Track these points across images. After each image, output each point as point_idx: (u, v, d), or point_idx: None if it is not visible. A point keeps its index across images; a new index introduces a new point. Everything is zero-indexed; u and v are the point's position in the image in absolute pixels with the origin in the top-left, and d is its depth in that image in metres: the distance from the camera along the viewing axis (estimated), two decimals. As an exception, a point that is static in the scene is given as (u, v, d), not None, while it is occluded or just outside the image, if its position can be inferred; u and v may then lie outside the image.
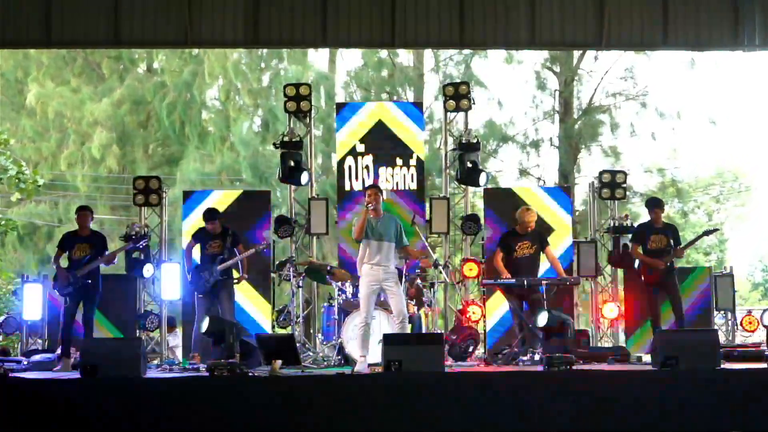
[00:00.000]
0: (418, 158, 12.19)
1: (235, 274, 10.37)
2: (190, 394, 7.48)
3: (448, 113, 12.45)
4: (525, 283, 9.68)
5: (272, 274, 11.70)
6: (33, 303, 11.80)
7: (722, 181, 29.89)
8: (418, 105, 13.23)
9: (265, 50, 21.77)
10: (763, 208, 29.52)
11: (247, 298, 11.58)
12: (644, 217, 10.84)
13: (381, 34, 12.68)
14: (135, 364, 7.76)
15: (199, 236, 10.39)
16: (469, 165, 11.86)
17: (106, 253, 10.05)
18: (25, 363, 10.01)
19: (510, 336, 10.80)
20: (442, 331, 10.97)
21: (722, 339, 11.56)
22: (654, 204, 10.58)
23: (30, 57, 22.61)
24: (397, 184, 12.13)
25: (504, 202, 11.86)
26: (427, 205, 12.14)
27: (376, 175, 12.07)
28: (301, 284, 10.85)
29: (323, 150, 20.70)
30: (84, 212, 10.15)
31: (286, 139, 12.07)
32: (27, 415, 7.27)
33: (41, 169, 21.65)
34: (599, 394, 7.45)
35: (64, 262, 10.04)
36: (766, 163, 30.53)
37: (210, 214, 10.34)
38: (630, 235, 11.38)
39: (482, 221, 11.99)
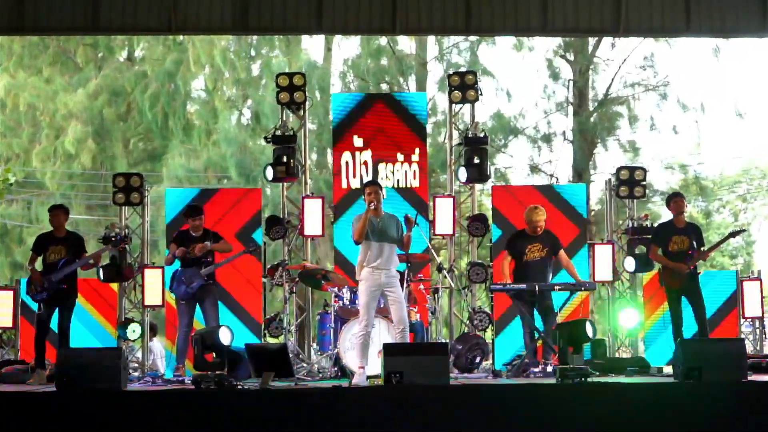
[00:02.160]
0: (420, 153, 12.21)
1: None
2: (175, 409, 7.49)
3: (453, 105, 12.46)
4: (536, 288, 9.69)
5: (263, 280, 11.72)
6: (4, 310, 11.81)
7: (749, 178, 29.87)
8: (420, 96, 13.25)
9: (255, 37, 21.79)
10: (793, 208, 29.54)
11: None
12: (665, 216, 10.86)
13: (380, 19, 12.69)
14: (115, 376, 7.78)
15: (180, 240, 10.38)
16: (476, 161, 11.88)
17: (84, 255, 10.07)
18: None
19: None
20: (447, 340, 10.99)
21: (749, 349, 11.59)
22: (674, 195, 10.62)
23: (0, 45, 22.62)
24: (398, 181, 12.15)
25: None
26: (431, 204, 12.15)
27: (376, 172, 12.09)
28: (294, 290, 10.86)
29: (318, 145, 20.74)
30: (56, 212, 10.15)
31: (278, 132, 12.09)
32: (-2, 432, 7.29)
33: (13, 166, 21.67)
34: (617, 408, 7.46)
35: (39, 266, 10.05)
36: (797, 158, 30.50)
37: (193, 211, 10.34)
38: (648, 238, 11.41)
39: (490, 221, 12.02)
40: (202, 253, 10.08)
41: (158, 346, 13.35)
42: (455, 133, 12.54)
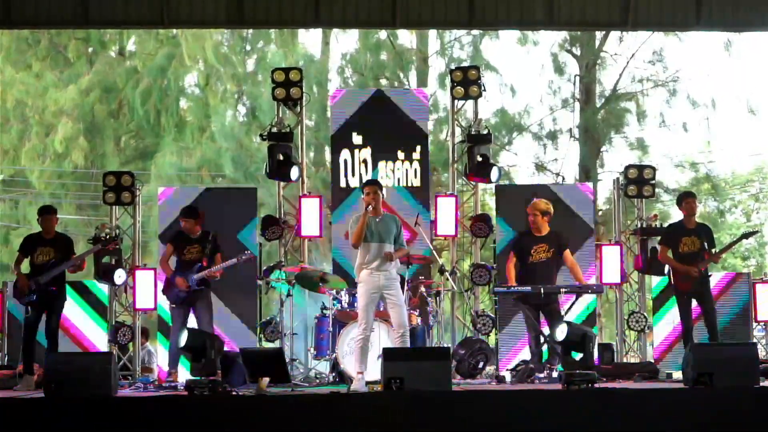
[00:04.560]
0: (422, 151, 12.19)
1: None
2: (167, 416, 7.47)
3: (456, 101, 12.44)
4: (541, 291, 9.68)
5: (259, 282, 11.70)
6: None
7: (762, 176, 29.89)
8: (421, 92, 13.23)
9: (250, 31, 21.79)
10: (807, 207, 29.52)
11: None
12: (675, 216, 10.85)
13: (380, 12, 12.68)
14: (105, 382, 7.76)
15: (176, 241, 10.37)
16: (479, 159, 11.86)
17: (73, 257, 10.06)
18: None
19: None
20: (449, 345, 10.97)
21: (762, 353, 11.57)
22: (685, 195, 10.62)
23: (-13, 39, 22.63)
24: (398, 180, 12.13)
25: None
26: (433, 203, 12.13)
27: (375, 170, 12.07)
28: (290, 293, 10.84)
29: (315, 142, 20.73)
30: (50, 216, 10.11)
31: (274, 129, 12.08)
32: (-16, 439, 7.27)
33: (0, 164, 21.67)
34: (625, 414, 7.45)
35: (25, 268, 10.04)
36: (812, 156, 30.45)
37: (188, 212, 10.33)
38: (657, 239, 11.41)
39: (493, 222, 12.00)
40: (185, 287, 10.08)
41: (151, 354, 13.33)
42: (457, 131, 12.52)
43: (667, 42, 21.76)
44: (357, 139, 12.17)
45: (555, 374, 9.31)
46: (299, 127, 12.42)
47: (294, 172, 11.86)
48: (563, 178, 21.36)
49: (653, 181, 12.31)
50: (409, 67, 21.90)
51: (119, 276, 11.59)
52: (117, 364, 9.02)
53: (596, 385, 7.91)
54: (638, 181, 12.18)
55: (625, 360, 11.97)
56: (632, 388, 8.66)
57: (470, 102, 12.43)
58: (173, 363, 10.30)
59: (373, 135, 12.16)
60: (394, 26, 15.06)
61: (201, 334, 9.63)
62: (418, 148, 12.18)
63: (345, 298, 10.22)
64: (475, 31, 20.62)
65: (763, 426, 7.44)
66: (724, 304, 11.67)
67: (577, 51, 21.78)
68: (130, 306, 11.98)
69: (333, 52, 22.49)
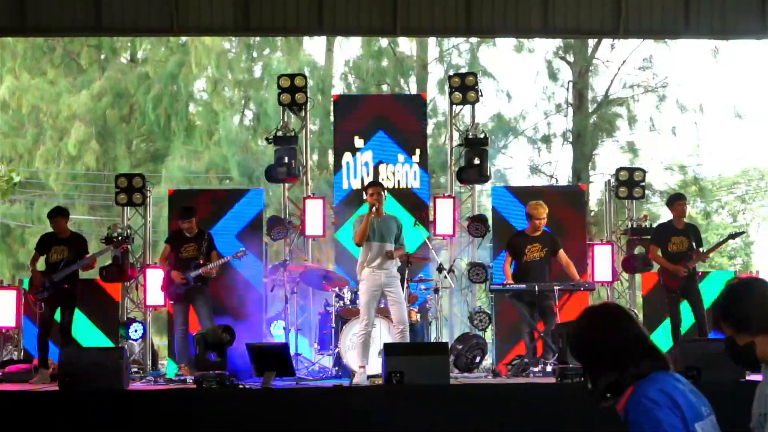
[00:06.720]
0: (421, 154, 12.20)
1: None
2: (177, 408, 7.49)
3: (454, 106, 12.45)
4: (536, 288, 9.69)
5: (264, 279, 11.71)
6: (7, 310, 11.80)
7: (748, 179, 29.89)
8: (421, 97, 13.24)
9: (257, 38, 21.81)
10: (792, 209, 29.52)
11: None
12: (664, 217, 10.87)
13: (381, 20, 12.68)
14: (117, 376, 7.78)
15: (173, 239, 10.40)
16: (476, 162, 11.87)
17: (86, 256, 10.07)
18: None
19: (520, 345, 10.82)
20: (447, 341, 10.98)
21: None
22: (676, 197, 10.65)
23: (4, 46, 22.62)
24: (398, 182, 12.13)
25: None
26: (432, 205, 12.14)
27: (376, 173, 12.08)
28: (295, 290, 10.85)
29: (319, 146, 20.75)
30: (56, 219, 10.08)
31: (279, 133, 12.09)
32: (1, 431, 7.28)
33: (16, 166, 21.68)
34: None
35: (41, 266, 10.06)
36: (796, 159, 30.43)
37: (186, 212, 10.35)
38: (647, 239, 11.42)
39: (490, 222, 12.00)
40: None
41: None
42: (455, 134, 12.53)
43: (656, 49, 21.82)
44: (359, 142, 12.18)
45: (549, 368, 9.32)
46: (304, 131, 12.42)
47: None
48: (557, 180, 21.38)
49: (643, 183, 12.32)
50: (409, 74, 21.92)
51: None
52: (128, 358, 9.03)
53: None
54: (629, 183, 12.20)
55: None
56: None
57: (468, 107, 12.43)
58: (181, 357, 10.31)
59: (374, 139, 12.17)
60: (394, 34, 15.05)
61: (216, 329, 9.56)
62: (418, 151, 12.19)
63: (347, 295, 10.23)
64: (473, 39, 20.64)
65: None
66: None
67: (571, 58, 21.80)
68: (141, 303, 11.99)
69: (336, 58, 22.55)
